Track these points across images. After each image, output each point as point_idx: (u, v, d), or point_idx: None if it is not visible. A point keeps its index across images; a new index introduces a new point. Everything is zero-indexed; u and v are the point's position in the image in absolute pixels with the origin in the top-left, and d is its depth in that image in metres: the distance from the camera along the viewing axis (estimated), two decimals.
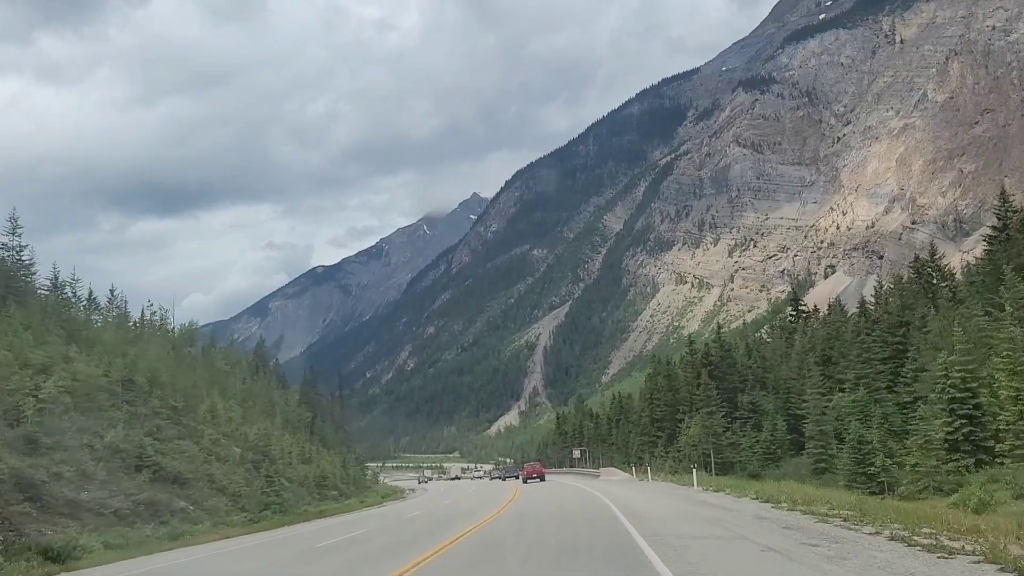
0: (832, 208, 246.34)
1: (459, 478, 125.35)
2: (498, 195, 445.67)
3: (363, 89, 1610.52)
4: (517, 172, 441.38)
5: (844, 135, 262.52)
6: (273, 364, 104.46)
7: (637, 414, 74.57)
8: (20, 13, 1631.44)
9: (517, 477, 72.84)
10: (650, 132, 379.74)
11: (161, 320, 61.27)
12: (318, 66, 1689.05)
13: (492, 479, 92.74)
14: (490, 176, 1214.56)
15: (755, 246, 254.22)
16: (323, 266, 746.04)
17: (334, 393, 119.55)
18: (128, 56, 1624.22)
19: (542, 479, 60.92)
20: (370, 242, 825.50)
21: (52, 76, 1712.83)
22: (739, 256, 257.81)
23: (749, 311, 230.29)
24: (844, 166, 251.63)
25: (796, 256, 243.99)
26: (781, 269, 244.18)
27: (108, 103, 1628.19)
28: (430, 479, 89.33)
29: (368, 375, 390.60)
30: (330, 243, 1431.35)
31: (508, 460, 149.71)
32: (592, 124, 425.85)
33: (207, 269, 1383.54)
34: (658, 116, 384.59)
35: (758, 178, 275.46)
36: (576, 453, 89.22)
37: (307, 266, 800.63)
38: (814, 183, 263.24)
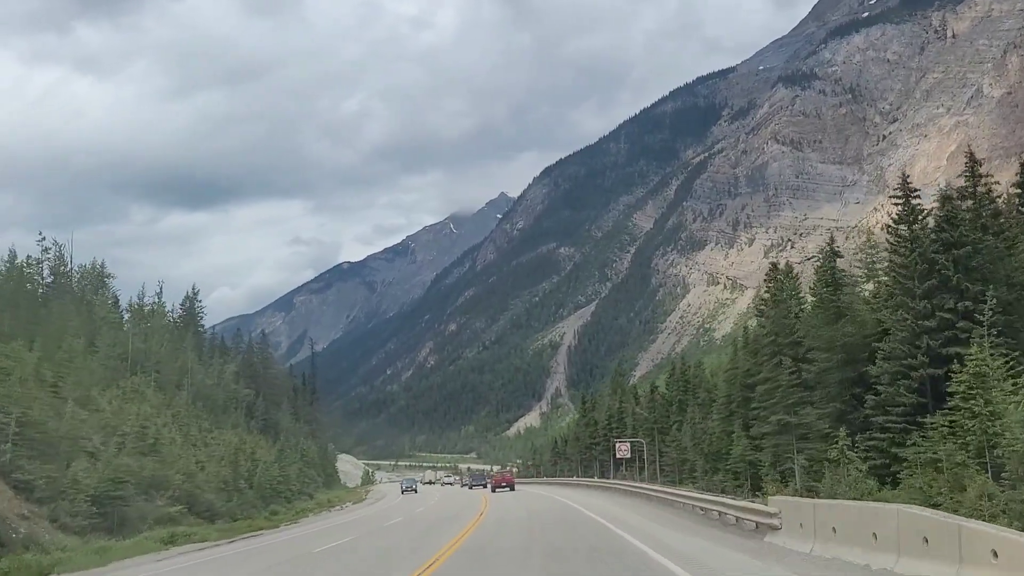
0: (876, 209, 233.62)
1: (432, 483, 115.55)
2: (525, 192, 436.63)
3: (396, 87, 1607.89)
4: (545, 169, 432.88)
5: (890, 133, 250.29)
6: (211, 333, 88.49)
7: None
8: (59, 2, 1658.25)
9: (484, 486, 67.81)
10: (683, 131, 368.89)
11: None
12: (352, 62, 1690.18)
13: (463, 486, 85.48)
14: (519, 176, 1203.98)
15: (793, 247, 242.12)
16: (349, 262, 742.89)
17: (305, 374, 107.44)
18: (164, 49, 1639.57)
19: (511, 487, 58.18)
20: (396, 239, 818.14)
21: (89, 67, 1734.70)
22: (775, 257, 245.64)
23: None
24: (890, 165, 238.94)
25: (838, 259, 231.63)
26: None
27: (143, 95, 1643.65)
28: (413, 487, 71.15)
29: (388, 372, 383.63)
30: (357, 240, 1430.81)
31: (508, 466, 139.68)
32: (623, 122, 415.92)
33: (235, 264, 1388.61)
34: (692, 115, 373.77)
35: (797, 177, 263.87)
36: (623, 450, 49.84)
37: (334, 263, 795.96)
38: (857, 183, 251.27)
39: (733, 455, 35.06)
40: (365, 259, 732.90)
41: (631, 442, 51.26)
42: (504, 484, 58.61)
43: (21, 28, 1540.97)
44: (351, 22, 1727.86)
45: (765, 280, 38.98)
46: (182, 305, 76.70)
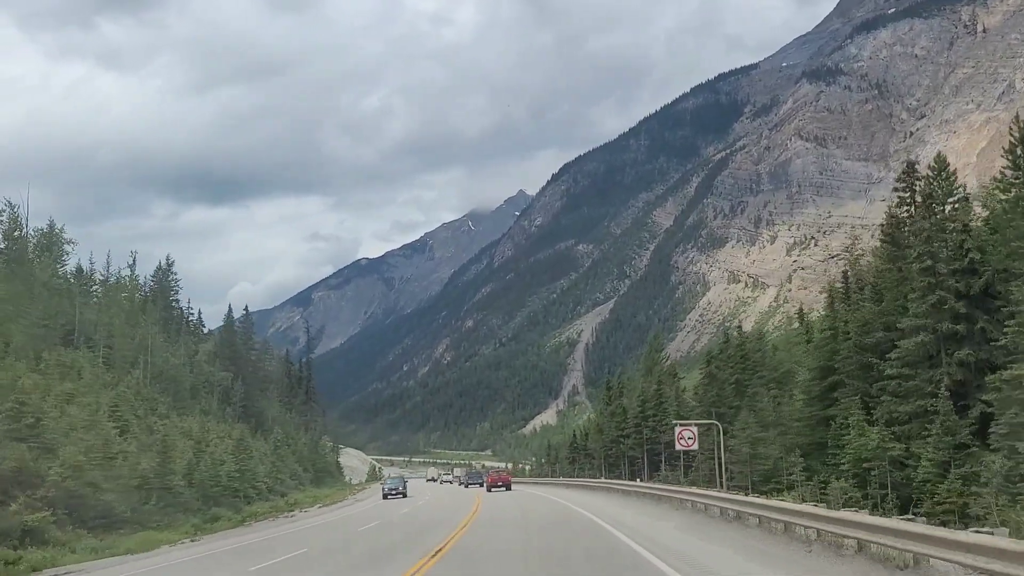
0: None
1: (434, 480, 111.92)
2: (544, 189, 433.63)
3: (416, 84, 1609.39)
4: (564, 166, 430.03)
5: (917, 129, 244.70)
6: (187, 309, 77.40)
7: None
8: None
9: (481, 484, 64.04)
10: (704, 127, 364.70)
11: None
12: (372, 59, 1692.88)
13: (460, 484, 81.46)
14: (538, 174, 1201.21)
15: (816, 244, 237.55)
16: (367, 258, 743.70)
17: (301, 359, 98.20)
18: (186, 44, 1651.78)
19: (507, 487, 55.02)
20: (415, 236, 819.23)
21: (112, 62, 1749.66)
22: (798, 255, 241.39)
23: (809, 313, 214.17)
24: (917, 162, 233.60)
25: (862, 256, 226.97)
26: (845, 270, 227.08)
27: (165, 91, 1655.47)
28: (398, 489, 56.57)
29: (405, 368, 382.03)
30: (375, 237, 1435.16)
31: (506, 465, 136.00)
32: (644, 119, 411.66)
33: (255, 259, 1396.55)
34: (713, 111, 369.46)
35: (821, 173, 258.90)
36: (685, 438, 31.67)
37: (352, 259, 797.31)
38: (883, 179, 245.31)
39: (850, 450, 25.51)
40: (383, 255, 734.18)
41: (698, 425, 33.98)
42: (500, 484, 55.86)
43: (46, 23, 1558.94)
44: (372, 19, 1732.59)
45: (900, 179, 31.76)
46: (153, 276, 69.24)
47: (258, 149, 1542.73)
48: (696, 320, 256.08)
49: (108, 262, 63.36)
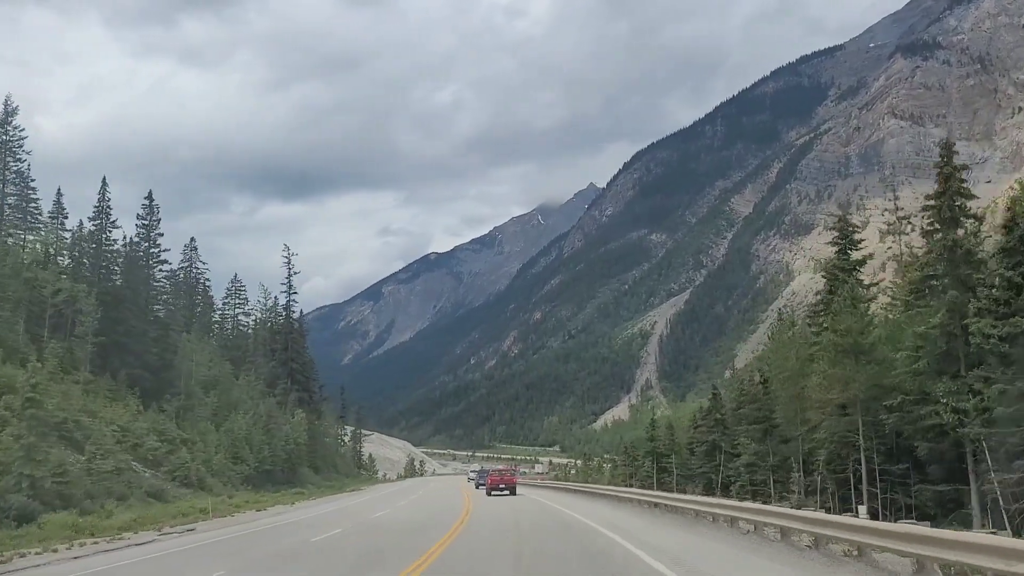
0: (1011, 188, 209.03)
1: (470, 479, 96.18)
2: (615, 178, 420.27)
3: (488, 78, 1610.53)
4: (636, 154, 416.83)
5: None
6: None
7: None
8: None
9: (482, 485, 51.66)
10: (785, 111, 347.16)
11: None
12: (445, 53, 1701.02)
13: (471, 482, 68.58)
14: (608, 167, 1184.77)
15: (914, 230, 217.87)
16: (436, 253, 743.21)
17: (296, 319, 74.89)
18: (264, 40, 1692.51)
19: (512, 492, 44.41)
20: (484, 230, 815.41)
21: (194, 59, 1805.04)
22: (893, 242, 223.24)
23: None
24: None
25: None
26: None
27: (244, 87, 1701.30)
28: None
29: (472, 361, 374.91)
30: (445, 231, 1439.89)
31: (515, 464, 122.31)
32: (720, 104, 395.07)
33: (328, 254, 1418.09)
34: (795, 95, 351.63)
35: (917, 154, 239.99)
36: None
37: (422, 253, 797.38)
38: (988, 160, 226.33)
39: None
40: (453, 249, 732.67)
41: None
42: (503, 486, 44.02)
43: (130, 22, 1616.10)
44: (445, 12, 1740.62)
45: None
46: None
47: (332, 144, 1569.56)
48: (780, 311, 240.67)
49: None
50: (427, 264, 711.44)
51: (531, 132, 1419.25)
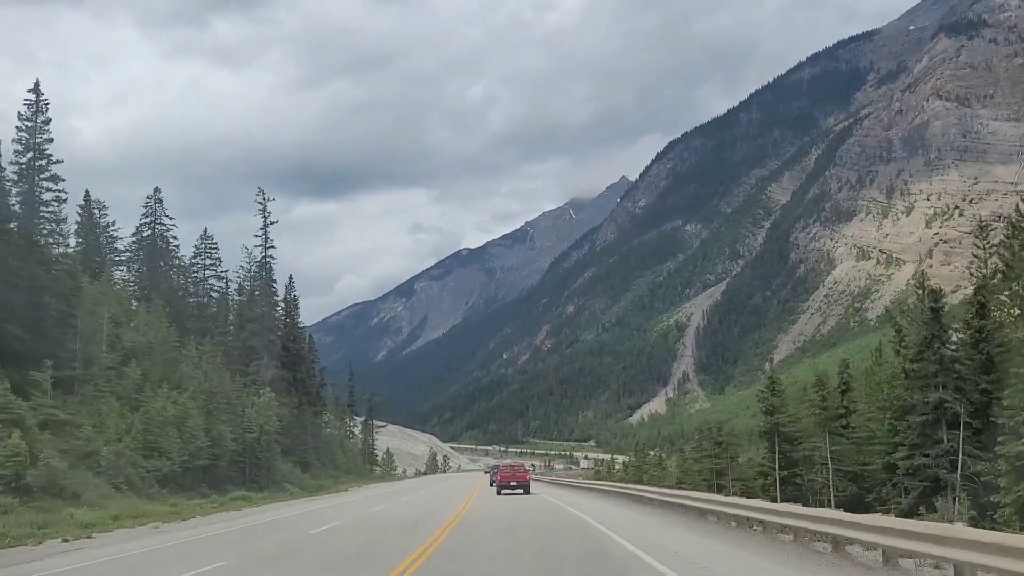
0: None
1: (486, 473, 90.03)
2: (648, 168, 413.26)
3: (519, 72, 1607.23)
4: (669, 143, 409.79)
5: None
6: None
7: None
8: None
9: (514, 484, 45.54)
10: (823, 97, 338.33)
11: None
12: (475, 48, 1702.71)
13: (487, 477, 62.15)
14: (640, 160, 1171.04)
15: (961, 215, 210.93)
16: (468, 249, 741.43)
17: (271, 287, 59.01)
18: (295, 39, 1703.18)
19: (526, 491, 39.14)
20: (515, 226, 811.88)
21: (225, 60, 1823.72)
22: (940, 227, 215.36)
23: (953, 291, 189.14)
24: None
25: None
26: (997, 242, 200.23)
27: (275, 86, 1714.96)
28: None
29: (505, 356, 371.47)
30: (476, 227, 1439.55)
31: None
32: (755, 91, 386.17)
33: (361, 251, 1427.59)
34: (832, 80, 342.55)
35: (964, 136, 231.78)
36: None
37: (454, 249, 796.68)
38: None
39: None
40: (484, 245, 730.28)
41: None
42: (515, 483, 38.99)
43: (162, 23, 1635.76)
44: (474, 7, 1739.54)
45: None
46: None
47: (364, 142, 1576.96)
48: (821, 300, 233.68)
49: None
50: (459, 260, 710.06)
51: (563, 127, 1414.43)
